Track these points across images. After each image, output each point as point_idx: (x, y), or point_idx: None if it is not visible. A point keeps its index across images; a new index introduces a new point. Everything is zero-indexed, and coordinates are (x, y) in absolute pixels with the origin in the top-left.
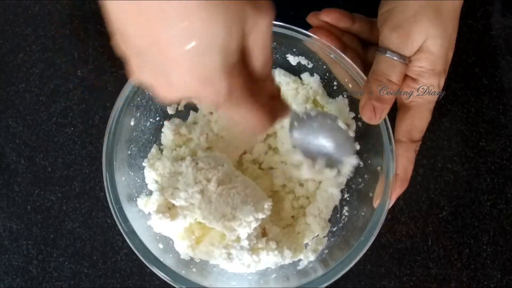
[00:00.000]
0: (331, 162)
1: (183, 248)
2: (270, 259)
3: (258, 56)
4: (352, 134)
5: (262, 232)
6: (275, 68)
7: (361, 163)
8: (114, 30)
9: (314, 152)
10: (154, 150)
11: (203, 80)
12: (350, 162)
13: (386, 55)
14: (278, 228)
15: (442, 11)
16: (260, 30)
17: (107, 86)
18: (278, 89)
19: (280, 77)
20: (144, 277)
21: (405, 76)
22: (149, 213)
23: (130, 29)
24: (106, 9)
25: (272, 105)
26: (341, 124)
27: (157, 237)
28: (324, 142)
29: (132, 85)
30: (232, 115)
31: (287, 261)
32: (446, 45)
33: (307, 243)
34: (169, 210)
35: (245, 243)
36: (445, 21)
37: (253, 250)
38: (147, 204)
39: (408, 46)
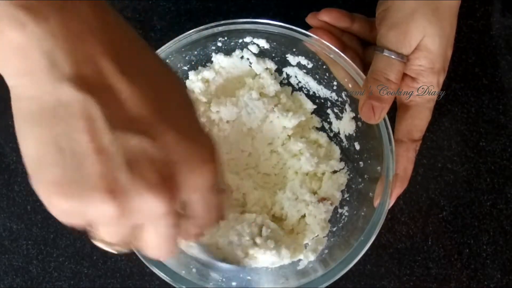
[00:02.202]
0: None
1: None
2: (267, 258)
3: None
4: None
5: (260, 231)
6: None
7: (361, 163)
8: None
9: None
10: None
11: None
12: None
13: (384, 53)
14: (278, 227)
15: (439, 9)
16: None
17: None
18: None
19: None
20: (144, 277)
21: (404, 75)
22: None
23: None
24: None
25: None
26: None
27: None
28: None
29: None
30: None
31: (286, 261)
32: (445, 43)
33: (307, 243)
34: None
35: (234, 238)
36: (442, 19)
37: (249, 246)
38: None
39: (406, 44)
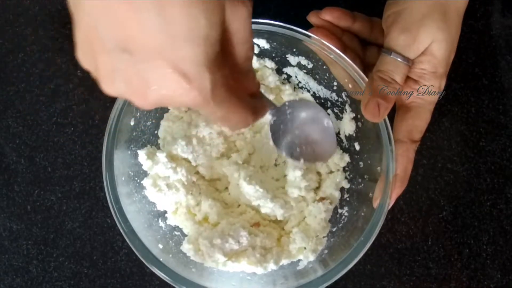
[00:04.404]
0: (315, 157)
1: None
2: (250, 268)
3: (240, 48)
4: (333, 127)
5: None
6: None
7: (361, 163)
8: (78, 35)
9: (295, 149)
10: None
11: (184, 76)
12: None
13: (391, 56)
14: (271, 238)
15: (448, 14)
16: (241, 18)
17: None
18: (258, 84)
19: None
20: (144, 277)
21: (407, 78)
22: (152, 208)
23: (101, 21)
24: (74, 8)
25: (253, 102)
26: (324, 115)
27: (157, 237)
28: (306, 135)
29: None
30: (213, 114)
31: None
32: (450, 48)
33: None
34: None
35: (217, 241)
36: (450, 25)
37: (233, 255)
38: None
39: (414, 49)
